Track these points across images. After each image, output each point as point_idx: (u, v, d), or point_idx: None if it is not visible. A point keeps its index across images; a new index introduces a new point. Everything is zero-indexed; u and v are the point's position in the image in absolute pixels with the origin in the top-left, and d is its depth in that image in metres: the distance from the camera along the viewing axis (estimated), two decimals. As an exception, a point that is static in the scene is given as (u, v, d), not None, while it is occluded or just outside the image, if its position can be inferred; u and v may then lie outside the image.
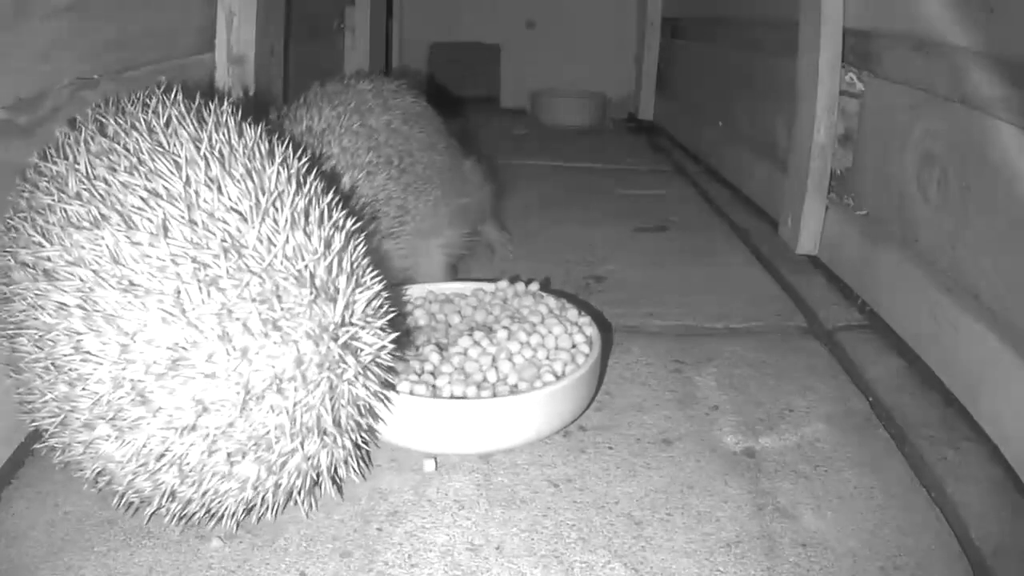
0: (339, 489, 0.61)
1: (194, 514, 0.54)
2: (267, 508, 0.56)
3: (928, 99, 0.88)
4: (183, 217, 0.52)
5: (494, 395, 0.68)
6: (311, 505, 0.59)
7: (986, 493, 0.65)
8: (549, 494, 0.63)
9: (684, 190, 1.61)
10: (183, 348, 0.50)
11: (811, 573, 0.56)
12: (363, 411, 0.58)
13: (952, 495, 0.63)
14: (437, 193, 0.93)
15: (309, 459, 0.54)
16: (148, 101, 0.62)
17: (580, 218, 1.38)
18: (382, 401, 0.62)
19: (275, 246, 0.53)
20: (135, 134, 0.57)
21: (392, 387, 0.64)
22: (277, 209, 0.55)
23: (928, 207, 0.87)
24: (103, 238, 0.51)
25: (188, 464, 0.51)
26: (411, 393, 0.66)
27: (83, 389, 0.50)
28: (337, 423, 0.55)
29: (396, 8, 2.34)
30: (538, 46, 2.42)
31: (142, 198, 0.52)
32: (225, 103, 0.63)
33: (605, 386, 0.79)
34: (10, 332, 0.55)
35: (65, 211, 0.53)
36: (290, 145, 0.62)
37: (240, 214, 0.53)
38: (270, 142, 0.61)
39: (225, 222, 0.52)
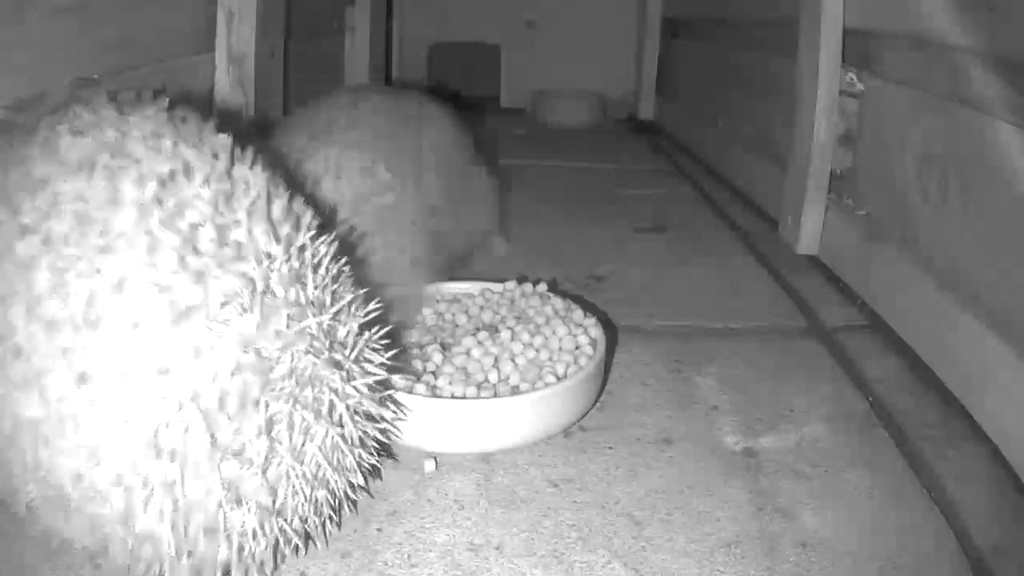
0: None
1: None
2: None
3: (928, 99, 0.88)
4: (178, 346, 0.43)
5: (495, 395, 0.68)
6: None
7: (986, 493, 0.65)
8: (549, 494, 0.63)
9: (684, 190, 1.60)
10: (236, 476, 0.46)
11: (811, 573, 0.56)
12: (382, 424, 0.58)
13: (952, 495, 0.63)
14: (436, 228, 0.86)
15: (350, 486, 0.54)
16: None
17: (580, 218, 1.37)
18: (398, 414, 0.63)
19: (280, 318, 0.47)
20: (69, 220, 0.44)
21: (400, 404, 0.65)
22: (269, 272, 0.48)
23: (928, 207, 0.87)
24: (94, 398, 0.43)
25: (255, 543, 0.49)
26: (411, 392, 0.66)
27: (129, 525, 0.46)
28: (369, 452, 0.55)
29: (396, 8, 2.34)
30: (538, 46, 2.42)
31: (121, 331, 0.42)
32: (157, 115, 0.51)
33: (605, 386, 0.79)
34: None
35: (28, 363, 0.43)
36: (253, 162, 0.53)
37: (238, 303, 0.45)
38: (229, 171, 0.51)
39: (226, 322, 0.45)
